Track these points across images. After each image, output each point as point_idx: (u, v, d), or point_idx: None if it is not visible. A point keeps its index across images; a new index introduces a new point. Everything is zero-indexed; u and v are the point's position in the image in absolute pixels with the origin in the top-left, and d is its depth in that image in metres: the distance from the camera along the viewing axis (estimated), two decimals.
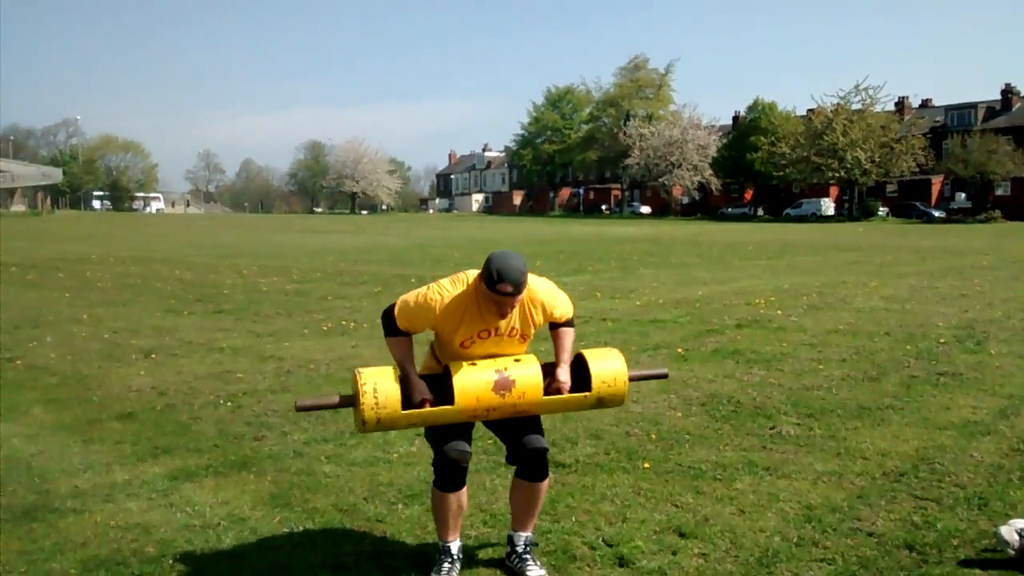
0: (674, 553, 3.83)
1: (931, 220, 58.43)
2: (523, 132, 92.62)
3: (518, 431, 3.58)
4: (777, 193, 74.15)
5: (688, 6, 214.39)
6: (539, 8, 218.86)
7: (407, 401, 3.36)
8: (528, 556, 3.68)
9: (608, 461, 5.15)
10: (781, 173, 66.90)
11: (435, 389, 3.41)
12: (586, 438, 5.63)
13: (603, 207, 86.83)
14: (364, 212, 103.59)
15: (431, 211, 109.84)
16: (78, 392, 7.13)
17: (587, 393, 3.53)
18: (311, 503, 4.50)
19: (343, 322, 10.90)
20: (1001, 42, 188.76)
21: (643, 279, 16.68)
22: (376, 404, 3.28)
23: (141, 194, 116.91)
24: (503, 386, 3.37)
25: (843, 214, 65.29)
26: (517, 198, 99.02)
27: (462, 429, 3.52)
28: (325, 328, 10.46)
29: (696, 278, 16.83)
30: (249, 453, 5.39)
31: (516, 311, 3.46)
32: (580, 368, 3.61)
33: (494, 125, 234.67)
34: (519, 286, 3.30)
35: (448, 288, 3.43)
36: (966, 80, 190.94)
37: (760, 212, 73.16)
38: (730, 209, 75.54)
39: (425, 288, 3.49)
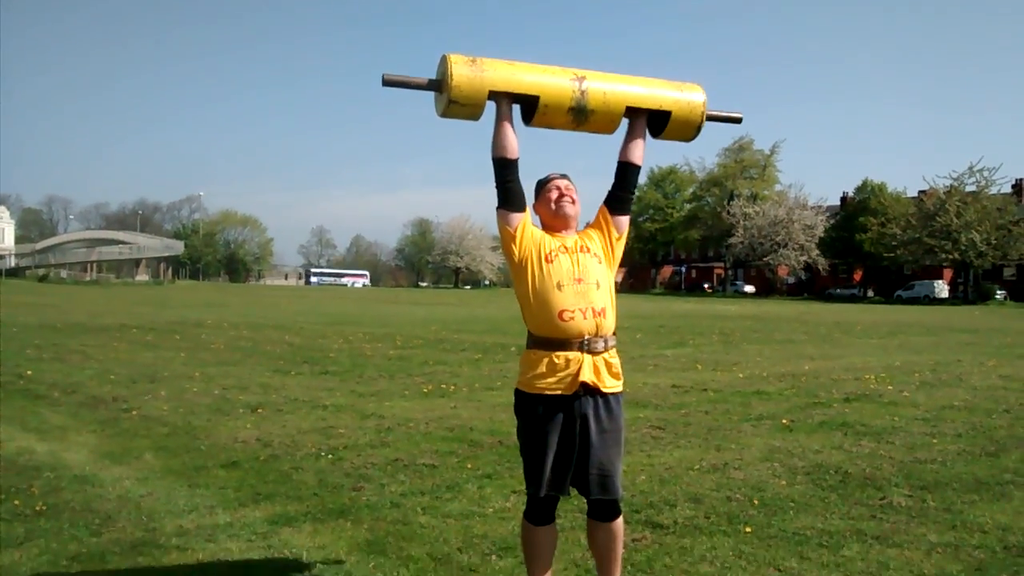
0: None
1: None
2: None
3: (592, 479, 3.48)
4: (888, 275, 72.23)
5: (794, 88, 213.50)
6: None
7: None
8: None
9: (708, 524, 5.00)
10: (892, 254, 65.20)
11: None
12: (685, 501, 5.49)
13: (705, 285, 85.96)
14: (467, 287, 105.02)
15: None
16: (187, 441, 7.35)
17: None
18: (406, 551, 4.50)
19: (443, 385, 11.00)
20: None
21: (746, 353, 16.34)
22: (468, 56, 3.45)
23: (340, 270, 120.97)
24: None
25: (958, 297, 62.97)
26: (618, 275, 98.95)
27: (560, 469, 3.45)
28: (425, 390, 10.57)
29: (802, 354, 16.40)
30: (347, 502, 5.44)
31: (579, 234, 3.66)
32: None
33: (597, 204, 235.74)
34: (564, 175, 3.70)
35: None
36: None
37: (870, 293, 71.20)
38: (838, 290, 73.77)
39: None
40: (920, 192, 68.01)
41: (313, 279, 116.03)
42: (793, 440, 7.53)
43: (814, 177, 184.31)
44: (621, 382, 3.56)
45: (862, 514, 5.24)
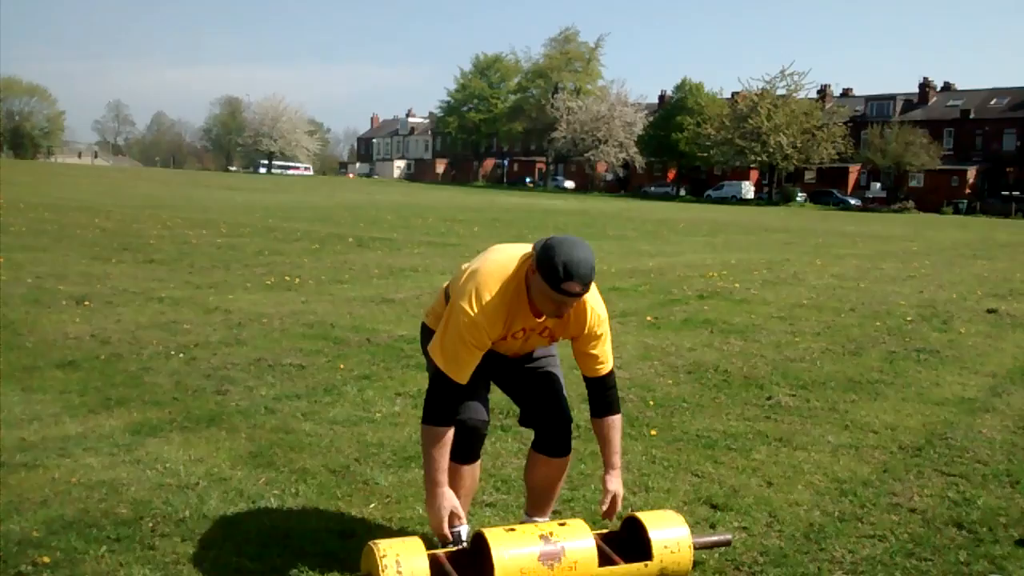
0: (712, 526, 3.52)
1: (847, 207, 59.82)
2: (449, 99, 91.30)
3: (540, 396, 3.25)
4: (699, 174, 75.05)
5: None
6: None
7: (435, 521, 2.88)
8: None
9: None
10: (705, 155, 67.63)
11: (471, 562, 2.84)
12: (580, 402, 5.25)
13: (527, 180, 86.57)
14: (278, 172, 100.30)
15: (351, 175, 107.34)
16: (7, 337, 6.45)
17: (648, 562, 2.94)
18: (298, 463, 4.03)
19: (286, 277, 10.33)
20: (920, 37, 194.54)
21: None
22: None
23: (287, 163, 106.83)
24: (551, 556, 2.80)
25: (762, 198, 66.42)
26: (440, 166, 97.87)
27: (479, 391, 3.06)
28: (268, 282, 9.88)
29: (640, 250, 16.66)
30: (214, 408, 4.88)
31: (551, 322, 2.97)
32: (635, 534, 3.05)
33: (419, 91, 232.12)
34: (588, 285, 2.73)
35: (482, 297, 2.82)
36: (886, 72, 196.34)
37: (682, 192, 73.92)
38: (652, 188, 76.08)
39: (453, 315, 2.85)
40: (734, 94, 70.45)
41: (261, 169, 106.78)
42: (664, 337, 7.50)
43: (636, 74, 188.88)
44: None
45: (756, 415, 5.21)
